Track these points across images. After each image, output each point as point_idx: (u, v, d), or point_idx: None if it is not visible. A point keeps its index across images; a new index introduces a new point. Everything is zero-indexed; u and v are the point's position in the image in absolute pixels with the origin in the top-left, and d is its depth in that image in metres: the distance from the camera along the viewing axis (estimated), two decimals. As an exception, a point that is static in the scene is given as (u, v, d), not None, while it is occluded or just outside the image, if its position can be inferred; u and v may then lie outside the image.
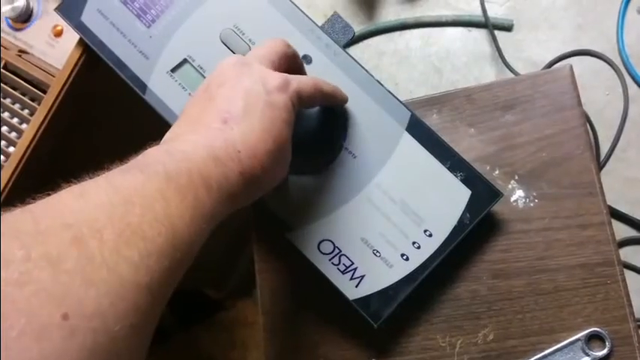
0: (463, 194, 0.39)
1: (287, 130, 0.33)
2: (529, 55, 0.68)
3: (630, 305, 0.36)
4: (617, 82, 0.63)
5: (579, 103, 0.40)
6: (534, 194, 0.40)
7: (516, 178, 0.40)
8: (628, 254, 0.57)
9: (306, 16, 0.43)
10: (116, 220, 0.24)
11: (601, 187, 0.38)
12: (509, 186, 0.40)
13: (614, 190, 0.59)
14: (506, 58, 0.67)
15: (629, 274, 0.56)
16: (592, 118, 0.60)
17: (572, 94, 0.40)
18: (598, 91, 0.65)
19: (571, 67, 0.41)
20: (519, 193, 0.40)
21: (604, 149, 0.59)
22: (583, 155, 0.39)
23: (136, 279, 0.23)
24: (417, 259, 0.39)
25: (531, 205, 0.40)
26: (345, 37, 0.44)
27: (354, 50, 0.72)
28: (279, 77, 0.33)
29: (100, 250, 0.23)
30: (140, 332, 0.24)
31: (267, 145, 0.31)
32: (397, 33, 0.72)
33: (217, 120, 0.31)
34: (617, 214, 0.58)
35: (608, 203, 0.51)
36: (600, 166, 0.58)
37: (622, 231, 0.58)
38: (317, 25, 0.43)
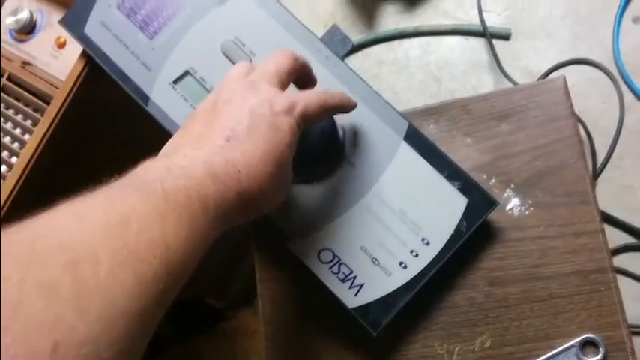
0: (460, 203, 0.40)
1: (289, 153, 0.33)
2: (526, 64, 0.69)
3: (623, 312, 0.38)
4: (613, 90, 0.64)
5: (572, 114, 0.42)
6: (529, 202, 0.41)
7: (512, 186, 0.42)
8: (625, 261, 0.58)
9: (306, 28, 0.45)
10: (112, 240, 0.24)
11: (594, 196, 0.40)
12: (505, 194, 0.42)
13: (611, 197, 0.60)
14: (504, 66, 0.68)
15: (625, 281, 0.58)
16: (588, 126, 0.61)
17: (566, 105, 0.42)
18: (594, 99, 0.66)
19: (564, 78, 0.43)
20: (515, 202, 0.41)
21: (600, 157, 0.60)
22: (577, 164, 0.40)
23: (129, 304, 0.23)
24: (415, 267, 0.40)
25: (526, 213, 0.41)
26: (344, 48, 0.45)
27: (353, 59, 0.73)
28: (285, 99, 0.34)
29: (94, 274, 0.23)
30: (129, 356, 0.24)
31: (267, 168, 0.32)
32: (396, 42, 0.74)
33: (221, 137, 0.32)
34: (613, 221, 0.59)
35: (605, 210, 0.53)
36: (597, 173, 0.59)
37: (619, 238, 0.59)
38: (317, 37, 0.44)
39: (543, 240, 0.40)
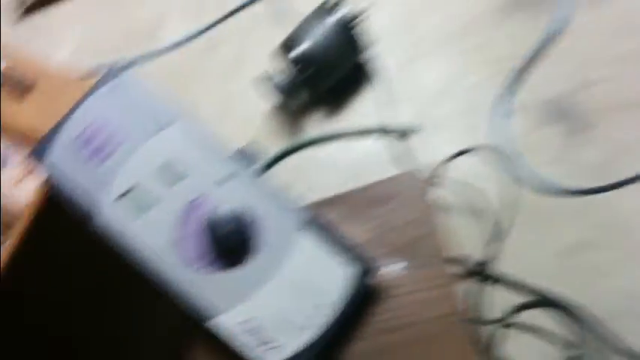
0: (349, 271, 0.55)
1: None
2: (432, 154, 0.87)
3: (475, 352, 0.51)
4: (507, 170, 0.81)
5: (428, 196, 0.58)
6: (404, 266, 0.56)
7: (391, 254, 0.57)
8: (529, 317, 0.71)
9: (224, 147, 0.61)
10: None
11: (446, 258, 0.55)
12: (387, 261, 0.56)
13: (510, 263, 0.75)
14: (414, 157, 0.85)
15: (528, 337, 0.71)
16: (487, 204, 0.77)
17: (423, 191, 0.58)
18: (490, 179, 0.83)
19: (416, 172, 0.59)
20: (395, 266, 0.56)
21: (499, 230, 0.76)
22: (435, 235, 0.56)
23: None
24: (315, 329, 0.53)
25: (402, 274, 0.55)
26: (254, 161, 0.62)
27: (283, 163, 0.90)
28: None
29: None
30: None
31: None
32: (320, 144, 0.91)
33: None
34: (513, 283, 0.73)
35: (508, 273, 0.67)
36: (499, 244, 0.74)
37: (519, 297, 0.73)
38: (233, 153, 0.61)
39: (415, 294, 0.54)
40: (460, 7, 0.97)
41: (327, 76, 0.92)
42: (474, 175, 0.83)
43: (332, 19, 0.91)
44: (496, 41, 0.92)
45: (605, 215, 0.76)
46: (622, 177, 0.76)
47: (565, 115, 0.84)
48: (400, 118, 0.89)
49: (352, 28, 0.91)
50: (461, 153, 0.85)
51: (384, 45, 0.97)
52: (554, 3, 0.92)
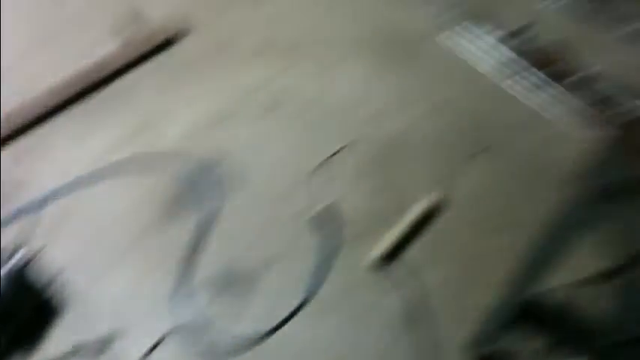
0: None
1: None
2: (134, 353, 0.99)
3: None
4: (201, 343, 0.99)
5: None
6: None
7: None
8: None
9: None
10: None
11: None
12: None
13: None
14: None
15: None
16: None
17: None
18: (189, 355, 0.99)
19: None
20: None
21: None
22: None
23: None
24: None
25: None
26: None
27: None
28: None
29: None
30: None
31: None
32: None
33: None
34: None
35: None
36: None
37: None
38: None
39: None
40: (128, 220, 1.18)
41: (13, 319, 0.99)
42: (174, 357, 0.99)
43: (8, 268, 1.01)
44: (165, 240, 1.14)
45: (285, 348, 1.01)
46: (282, 317, 1.02)
47: (233, 281, 1.08)
48: (97, 332, 1.00)
49: (29, 268, 1.02)
50: (156, 344, 1.00)
51: (67, 273, 1.09)
52: (206, 198, 1.20)
